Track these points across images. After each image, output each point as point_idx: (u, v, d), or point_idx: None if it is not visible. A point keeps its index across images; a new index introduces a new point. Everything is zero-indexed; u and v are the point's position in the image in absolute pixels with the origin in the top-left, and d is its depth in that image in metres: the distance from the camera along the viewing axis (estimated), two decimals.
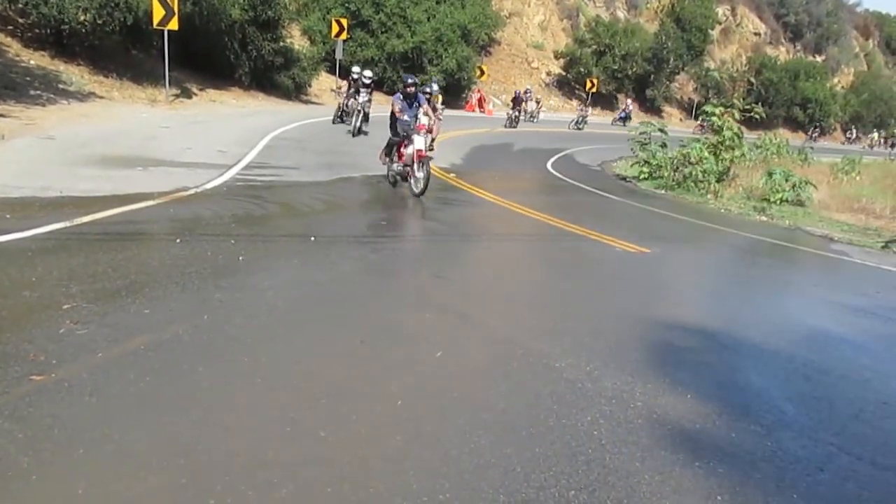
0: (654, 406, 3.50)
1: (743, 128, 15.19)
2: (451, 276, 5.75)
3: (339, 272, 5.25)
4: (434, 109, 11.73)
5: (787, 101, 47.07)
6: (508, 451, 2.88)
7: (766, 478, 2.96)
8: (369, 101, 15.23)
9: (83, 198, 6.30)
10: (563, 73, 40.03)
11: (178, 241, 5.36)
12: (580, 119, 29.04)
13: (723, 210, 12.21)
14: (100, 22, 14.12)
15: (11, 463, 2.40)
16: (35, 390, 2.88)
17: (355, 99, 15.35)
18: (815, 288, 7.38)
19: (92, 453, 2.52)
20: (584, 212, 9.90)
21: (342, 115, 16.37)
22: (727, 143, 14.13)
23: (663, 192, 13.63)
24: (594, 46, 38.99)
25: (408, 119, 8.95)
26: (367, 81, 15.16)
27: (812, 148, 23.01)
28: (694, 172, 13.71)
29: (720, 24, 49.11)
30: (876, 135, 50.28)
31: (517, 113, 25.51)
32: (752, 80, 46.90)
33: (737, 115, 14.91)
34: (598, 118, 36.33)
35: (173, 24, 14.71)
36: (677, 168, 14.08)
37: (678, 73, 44.38)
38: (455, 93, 29.75)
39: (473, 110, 30.83)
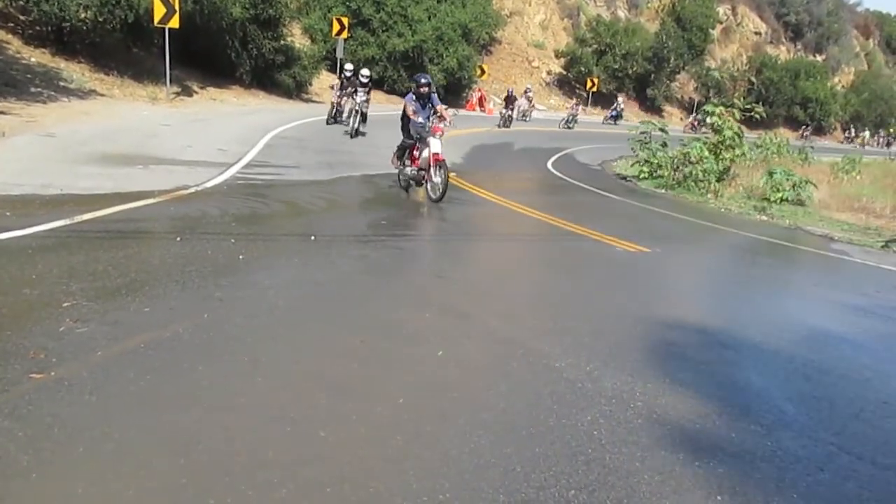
0: (654, 406, 3.49)
1: (743, 127, 15.18)
2: (451, 275, 5.75)
3: (339, 271, 5.25)
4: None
5: (787, 101, 47.03)
6: (508, 451, 2.87)
7: (766, 478, 2.96)
8: (367, 101, 14.63)
9: (83, 195, 6.30)
10: (564, 73, 40.05)
11: (178, 239, 5.36)
12: (570, 118, 28.30)
13: (723, 209, 12.20)
14: (101, 19, 14.14)
15: (11, 461, 2.40)
16: (35, 388, 2.88)
17: (352, 98, 14.56)
18: (816, 287, 7.38)
19: (92, 452, 2.52)
20: (584, 211, 9.90)
21: (336, 115, 15.59)
22: (727, 142, 14.12)
23: (663, 191, 13.63)
24: (595, 46, 39.04)
25: (422, 121, 8.47)
26: (365, 81, 14.48)
27: (812, 147, 23.01)
28: (694, 172, 13.71)
29: (721, 23, 49.11)
30: (867, 133, 50.33)
31: (510, 112, 24.96)
32: (753, 79, 46.85)
33: (737, 115, 14.88)
34: (598, 117, 36.29)
35: (174, 22, 14.72)
36: (677, 167, 14.08)
37: (679, 73, 44.38)
38: (456, 92, 29.74)
39: (474, 109, 30.83)
